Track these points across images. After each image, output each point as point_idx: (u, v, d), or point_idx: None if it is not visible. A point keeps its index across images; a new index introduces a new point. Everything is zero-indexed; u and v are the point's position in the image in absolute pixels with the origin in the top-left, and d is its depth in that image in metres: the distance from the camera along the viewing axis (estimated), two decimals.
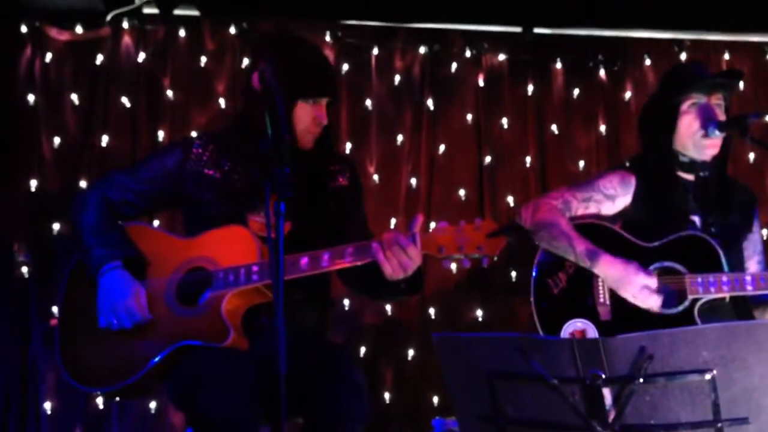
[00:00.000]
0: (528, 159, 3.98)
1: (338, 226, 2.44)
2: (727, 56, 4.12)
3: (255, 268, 2.19)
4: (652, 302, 2.49)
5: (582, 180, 2.96)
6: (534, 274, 2.71)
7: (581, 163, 4.02)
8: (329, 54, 3.87)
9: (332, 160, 2.56)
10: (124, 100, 3.75)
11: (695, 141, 2.67)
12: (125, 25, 3.78)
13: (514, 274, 3.77)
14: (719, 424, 1.70)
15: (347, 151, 3.84)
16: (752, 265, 2.75)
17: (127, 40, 3.79)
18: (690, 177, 2.73)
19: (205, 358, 2.12)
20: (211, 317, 2.19)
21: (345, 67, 3.92)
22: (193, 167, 2.42)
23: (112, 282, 2.28)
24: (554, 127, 4.03)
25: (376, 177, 3.87)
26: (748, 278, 2.50)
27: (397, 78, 3.96)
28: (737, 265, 2.67)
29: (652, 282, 2.49)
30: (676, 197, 2.71)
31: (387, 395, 3.67)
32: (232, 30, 3.84)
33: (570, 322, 2.58)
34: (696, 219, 2.70)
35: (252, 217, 2.33)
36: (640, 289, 2.49)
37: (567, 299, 2.64)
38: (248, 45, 3.74)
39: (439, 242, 2.11)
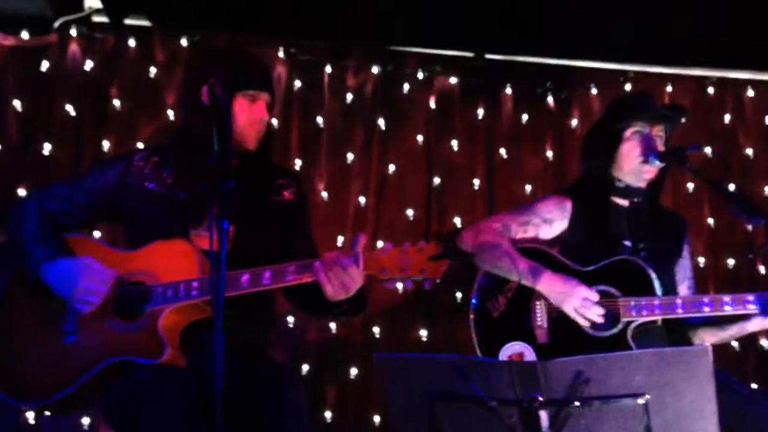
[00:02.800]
0: (476, 181, 4.03)
1: (282, 242, 2.41)
2: (669, 88, 4.24)
3: (195, 284, 2.16)
4: (593, 314, 2.54)
5: (523, 204, 3.01)
6: (474, 297, 2.75)
7: (528, 187, 4.08)
8: (281, 71, 3.87)
9: (278, 174, 2.54)
10: (69, 108, 3.68)
11: (634, 167, 2.74)
12: (73, 32, 3.72)
13: (458, 295, 3.79)
14: None
15: (297, 168, 3.82)
16: (682, 289, 2.83)
17: (74, 47, 3.72)
18: (624, 202, 2.80)
19: (139, 374, 2.08)
20: (148, 333, 2.15)
21: (297, 84, 3.92)
22: (134, 180, 2.39)
23: (59, 271, 2.23)
24: (503, 151, 4.09)
25: (325, 194, 3.86)
26: (679, 302, 2.57)
27: (350, 96, 3.97)
28: (669, 288, 2.74)
29: (593, 295, 2.54)
30: (610, 222, 2.78)
31: (328, 414, 3.64)
32: (184, 42, 3.81)
33: (508, 344, 2.61)
34: (628, 243, 2.76)
35: (194, 231, 2.30)
36: (582, 301, 2.53)
37: (506, 322, 2.67)
38: (197, 58, 3.71)
39: (382, 263, 2.11)
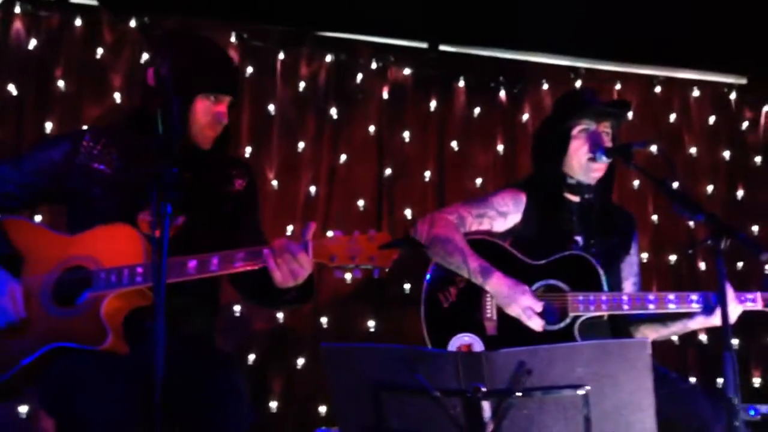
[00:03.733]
0: (427, 173, 4.04)
1: (231, 231, 2.38)
2: (618, 86, 4.32)
3: (139, 270, 2.11)
4: (534, 324, 2.58)
5: (478, 196, 3.02)
6: (425, 287, 2.75)
7: (479, 181, 4.10)
8: (233, 55, 3.81)
9: (230, 164, 2.51)
10: (11, 87, 3.56)
11: (583, 164, 2.78)
12: (17, 9, 3.60)
13: (407, 286, 3.80)
14: None
15: (247, 155, 3.78)
16: (628, 285, 2.88)
17: (18, 25, 3.61)
18: (576, 198, 2.83)
19: (79, 361, 2.02)
20: (89, 319, 2.09)
21: (249, 69, 3.86)
22: (82, 160, 2.32)
23: None
24: (454, 144, 4.11)
25: (275, 183, 3.83)
26: (625, 298, 2.62)
27: (302, 84, 3.94)
28: (616, 284, 2.79)
29: (537, 306, 2.57)
30: (562, 217, 2.81)
31: (274, 404, 3.62)
32: (133, 23, 3.72)
33: (457, 336, 2.62)
34: (579, 239, 2.80)
35: (141, 215, 2.25)
36: (524, 310, 2.57)
37: (456, 313, 2.68)
38: (147, 40, 3.63)
39: (332, 251, 2.10)
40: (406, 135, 4.04)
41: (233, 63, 2.50)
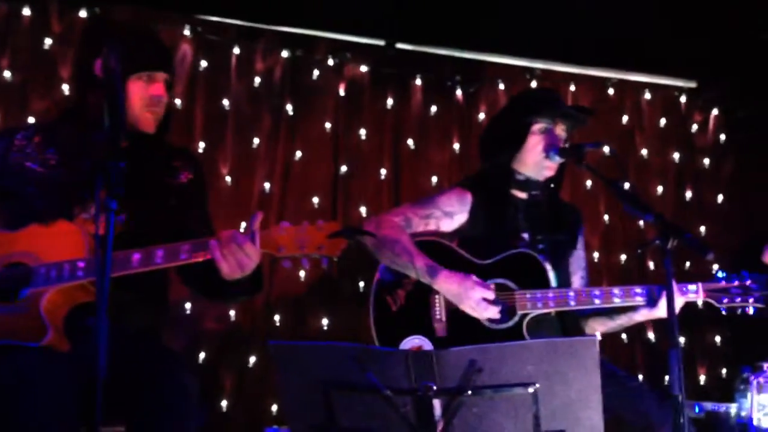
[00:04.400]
0: (383, 171, 4.03)
1: (178, 225, 2.33)
2: (573, 87, 4.37)
3: (81, 264, 2.06)
4: (491, 313, 2.58)
5: (424, 197, 3.01)
6: (373, 291, 2.74)
7: (434, 179, 4.11)
8: (187, 49, 3.75)
9: (174, 155, 2.45)
10: None
11: (537, 162, 2.79)
12: None
13: (361, 283, 3.79)
14: None
15: (200, 150, 3.72)
16: (576, 280, 2.91)
17: None
18: (523, 195, 2.85)
19: (18, 358, 1.96)
20: (29, 315, 2.04)
21: (203, 64, 3.80)
22: (15, 159, 2.27)
23: None
24: (410, 142, 4.10)
25: (228, 179, 3.77)
26: (572, 294, 2.65)
27: (257, 80, 3.89)
28: (564, 280, 2.82)
29: (489, 294, 2.58)
30: (508, 214, 2.83)
31: (225, 403, 3.57)
32: (83, 14, 3.63)
33: (407, 339, 2.62)
34: (526, 236, 2.82)
35: (80, 212, 2.19)
36: (478, 302, 2.57)
37: (405, 316, 2.68)
38: (88, 29, 3.54)
39: (279, 241, 2.08)
40: (362, 132, 4.02)
41: (161, 40, 2.44)
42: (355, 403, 1.89)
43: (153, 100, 2.29)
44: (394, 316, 2.68)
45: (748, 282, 2.60)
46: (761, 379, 3.07)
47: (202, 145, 3.74)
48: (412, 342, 2.60)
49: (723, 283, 2.60)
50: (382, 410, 1.85)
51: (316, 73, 3.98)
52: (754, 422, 3.05)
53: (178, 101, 3.70)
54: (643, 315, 2.67)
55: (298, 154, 3.91)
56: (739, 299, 2.59)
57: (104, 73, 1.99)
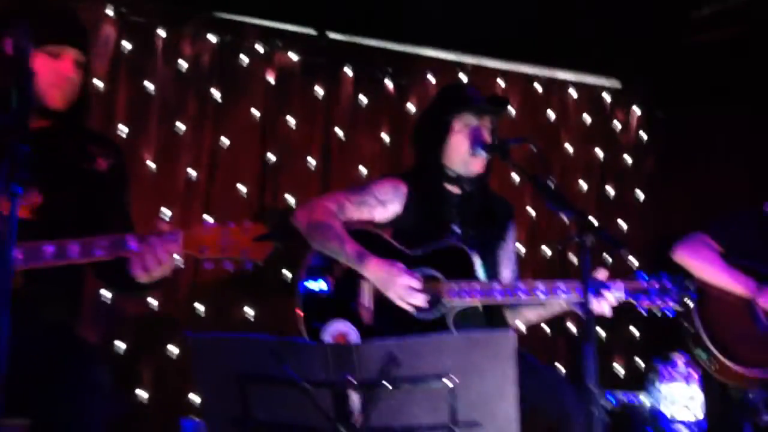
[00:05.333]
0: (312, 161, 4.00)
1: (94, 214, 2.25)
2: (502, 83, 4.42)
3: None
4: (416, 300, 2.59)
5: (359, 184, 3.02)
6: (302, 277, 2.73)
7: (364, 170, 4.10)
8: (110, 31, 3.63)
9: (91, 140, 2.36)
10: None
11: (463, 158, 2.82)
12: None
13: (288, 273, 3.76)
14: (454, 428, 1.79)
15: (122, 136, 3.61)
16: (506, 273, 2.96)
17: None
18: (456, 190, 2.88)
19: None
20: None
21: (127, 46, 3.69)
22: None
23: None
24: (340, 132, 4.09)
25: (152, 165, 3.68)
26: (498, 287, 2.68)
27: (184, 64, 3.80)
28: (494, 273, 2.86)
29: (416, 283, 2.59)
30: (442, 208, 2.85)
31: (144, 394, 3.49)
32: None
33: (333, 325, 2.61)
34: (457, 229, 2.85)
35: None
36: (405, 289, 2.57)
37: (333, 303, 2.68)
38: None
39: (203, 242, 2.04)
40: (292, 121, 3.98)
41: (77, 18, 2.33)
42: (272, 396, 1.87)
43: (59, 78, 2.20)
44: (322, 302, 2.68)
45: (667, 283, 2.65)
46: (671, 370, 3.19)
47: (124, 129, 3.63)
48: (338, 328, 2.59)
49: (643, 284, 2.65)
50: (300, 403, 1.83)
51: (245, 59, 3.92)
52: (664, 411, 3.17)
53: (99, 84, 3.58)
54: (570, 300, 2.71)
55: (226, 141, 3.84)
56: (658, 301, 2.64)
57: (14, 51, 1.90)
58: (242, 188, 3.82)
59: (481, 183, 2.91)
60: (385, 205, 2.83)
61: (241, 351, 1.87)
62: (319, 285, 2.70)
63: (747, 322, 3.16)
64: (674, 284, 2.65)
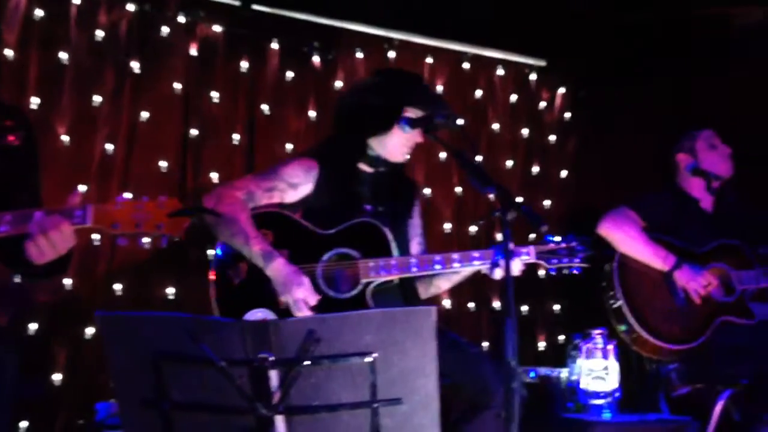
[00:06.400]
0: (236, 136, 3.91)
1: (2, 190, 2.14)
2: (430, 60, 4.40)
3: None
4: (302, 315, 2.54)
5: (267, 168, 2.94)
6: (214, 265, 2.68)
7: (289, 146, 4.03)
8: None
9: (2, 113, 2.24)
10: None
11: (402, 151, 2.86)
12: None
13: (210, 251, 3.67)
14: (375, 405, 1.78)
15: (33, 107, 3.43)
16: (413, 245, 2.99)
17: None
18: (369, 170, 2.88)
19: None
20: None
21: (38, 13, 3.50)
22: None
23: None
24: (265, 107, 4.00)
25: (66, 139, 3.51)
26: (414, 261, 2.72)
27: (100, 33, 3.63)
28: (404, 247, 2.87)
29: (311, 299, 2.55)
30: (355, 187, 2.85)
31: (58, 376, 3.36)
32: None
33: (250, 312, 2.57)
34: (368, 207, 2.85)
35: None
36: (296, 301, 2.54)
37: (248, 290, 2.63)
38: None
39: (115, 217, 1.96)
40: (215, 95, 3.87)
41: None
42: (188, 375, 1.82)
43: None
44: (237, 290, 2.63)
45: (574, 244, 2.78)
46: (590, 345, 3.27)
47: (36, 101, 3.45)
48: (256, 315, 2.55)
49: (552, 245, 2.76)
50: (217, 382, 1.79)
51: (165, 30, 3.78)
52: (582, 385, 3.25)
53: (9, 53, 3.39)
54: (484, 268, 2.77)
55: (145, 114, 3.70)
56: (566, 260, 2.77)
57: None
58: (162, 164, 3.70)
59: (394, 163, 2.91)
60: (296, 187, 2.79)
61: (154, 330, 1.81)
62: (225, 294, 2.64)
63: (665, 297, 3.26)
64: (581, 244, 2.76)
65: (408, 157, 2.88)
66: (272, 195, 2.75)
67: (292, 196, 2.78)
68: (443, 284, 2.91)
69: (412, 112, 2.80)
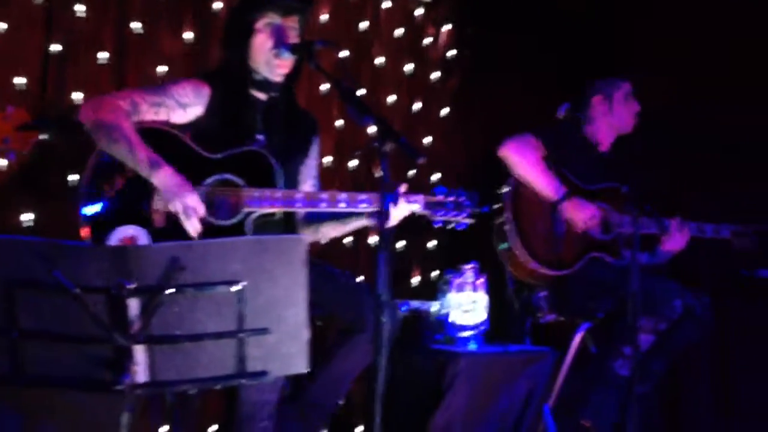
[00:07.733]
0: (104, 54, 3.64)
1: None
2: None
3: None
4: (191, 226, 2.50)
5: (156, 84, 2.83)
6: (86, 175, 2.57)
7: (164, 68, 3.81)
8: None
9: None
10: None
11: (267, 60, 2.76)
12: None
13: (72, 176, 3.45)
14: (241, 335, 1.74)
15: None
16: (306, 187, 2.94)
17: None
18: (262, 96, 2.81)
19: None
20: None
21: None
22: None
23: None
24: (137, 25, 3.74)
25: None
26: (299, 196, 2.67)
27: None
28: (292, 185, 2.82)
29: (201, 209, 2.49)
30: (246, 114, 2.78)
31: None
32: None
33: (121, 228, 2.46)
34: (260, 137, 2.79)
35: None
36: (186, 208, 2.47)
37: (122, 204, 2.55)
38: None
39: None
40: (80, 8, 3.58)
41: None
42: (41, 303, 1.73)
43: None
44: (110, 204, 2.54)
45: (462, 198, 2.80)
46: (460, 280, 3.38)
47: None
48: (126, 232, 2.45)
49: (441, 197, 2.77)
50: (73, 311, 1.70)
51: None
52: (451, 318, 3.37)
53: None
54: (371, 221, 2.77)
55: (2, 26, 3.38)
56: (453, 213, 2.79)
57: None
58: (20, 80, 3.40)
59: (288, 91, 2.86)
60: (186, 108, 2.71)
61: (4, 254, 1.69)
62: (95, 208, 2.54)
63: (549, 224, 3.42)
64: (469, 200, 2.79)
65: (284, 70, 2.79)
66: (158, 111, 2.65)
67: (180, 116, 2.69)
68: (329, 232, 2.88)
69: (264, 19, 2.73)
